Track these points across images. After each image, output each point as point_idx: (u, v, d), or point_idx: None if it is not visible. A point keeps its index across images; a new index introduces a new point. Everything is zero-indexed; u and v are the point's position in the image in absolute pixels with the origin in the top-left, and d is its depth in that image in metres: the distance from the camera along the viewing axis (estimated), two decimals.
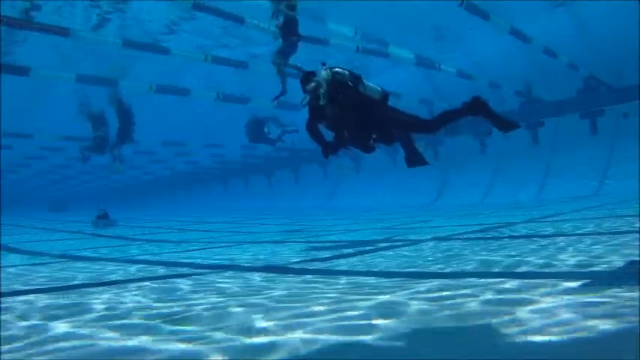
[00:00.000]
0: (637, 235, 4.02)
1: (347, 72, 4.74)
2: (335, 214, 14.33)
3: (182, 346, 1.71)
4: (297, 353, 1.55)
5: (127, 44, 9.89)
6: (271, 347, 1.63)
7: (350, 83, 4.65)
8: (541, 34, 11.97)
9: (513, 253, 3.65)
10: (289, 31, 8.72)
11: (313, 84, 4.61)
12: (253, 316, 2.09)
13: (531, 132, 18.09)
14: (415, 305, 2.11)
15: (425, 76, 15.80)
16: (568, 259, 3.10)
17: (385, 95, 4.86)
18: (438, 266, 3.35)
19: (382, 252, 4.49)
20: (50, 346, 1.77)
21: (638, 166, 13.24)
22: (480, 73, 14.42)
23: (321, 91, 4.55)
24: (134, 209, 27.24)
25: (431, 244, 4.85)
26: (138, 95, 14.99)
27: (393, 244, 5.22)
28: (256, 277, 3.33)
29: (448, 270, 3.16)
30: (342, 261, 4.05)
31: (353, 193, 22.31)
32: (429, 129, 4.99)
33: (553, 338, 1.50)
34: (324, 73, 4.65)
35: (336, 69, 4.71)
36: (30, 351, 1.73)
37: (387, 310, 2.05)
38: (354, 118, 4.66)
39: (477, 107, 4.73)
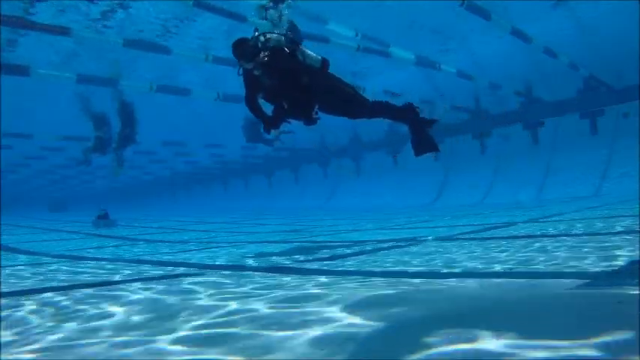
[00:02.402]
0: (637, 235, 4.02)
1: (283, 38, 4.44)
2: (336, 214, 14.34)
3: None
4: None
5: (127, 44, 9.90)
6: None
7: (287, 50, 4.35)
8: (541, 34, 11.99)
9: (507, 253, 3.65)
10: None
11: (246, 52, 4.27)
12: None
13: (531, 132, 18.12)
14: None
15: (425, 76, 15.81)
16: (568, 259, 3.11)
17: (325, 63, 4.63)
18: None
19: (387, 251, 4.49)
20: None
21: (638, 166, 13.24)
22: (479, 73, 14.43)
23: (256, 59, 4.23)
24: (134, 209, 27.23)
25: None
26: (138, 95, 15.02)
27: (398, 243, 5.23)
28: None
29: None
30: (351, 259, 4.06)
31: (353, 193, 22.32)
32: (362, 108, 4.83)
33: (552, 338, 1.50)
34: (259, 39, 4.34)
35: (271, 35, 4.40)
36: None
37: None
38: (292, 88, 4.38)
39: (408, 117, 4.75)
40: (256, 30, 4.44)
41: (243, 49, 4.29)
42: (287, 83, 4.36)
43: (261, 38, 4.35)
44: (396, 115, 4.88)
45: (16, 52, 12.77)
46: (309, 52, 4.56)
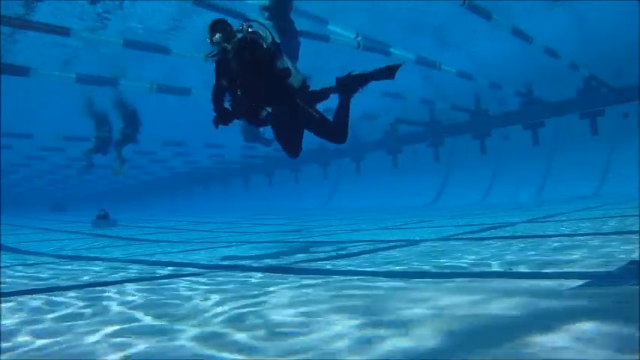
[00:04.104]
0: (637, 235, 4.02)
1: (271, 37, 4.34)
2: (336, 214, 14.33)
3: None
4: None
5: (127, 44, 9.88)
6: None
7: (264, 45, 4.26)
8: (541, 34, 11.99)
9: (510, 252, 3.65)
10: (286, 35, 8.42)
11: (226, 31, 4.20)
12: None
13: (531, 132, 18.13)
14: None
15: (425, 76, 15.81)
16: (568, 259, 3.10)
17: (305, 84, 4.54)
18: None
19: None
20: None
21: (638, 166, 13.24)
22: (480, 73, 14.43)
23: (232, 40, 4.17)
24: (134, 209, 27.24)
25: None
26: (138, 95, 15.03)
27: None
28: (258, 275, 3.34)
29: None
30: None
31: (353, 194, 22.34)
32: (331, 135, 4.74)
33: (552, 338, 1.50)
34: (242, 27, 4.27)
35: (256, 30, 4.30)
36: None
37: None
38: (256, 83, 4.31)
39: (348, 87, 4.65)
40: (246, 20, 4.41)
41: (224, 27, 4.24)
42: (251, 77, 4.31)
43: (245, 26, 4.31)
44: (349, 97, 4.74)
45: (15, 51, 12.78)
46: (294, 66, 4.48)
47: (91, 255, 5.76)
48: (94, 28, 11.70)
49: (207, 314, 2.15)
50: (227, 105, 4.57)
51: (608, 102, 15.92)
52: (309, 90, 4.65)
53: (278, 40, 4.45)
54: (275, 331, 1.80)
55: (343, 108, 4.72)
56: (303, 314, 2.04)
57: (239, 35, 4.30)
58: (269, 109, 4.44)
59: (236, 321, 1.99)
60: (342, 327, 1.79)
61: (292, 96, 4.45)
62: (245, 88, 4.36)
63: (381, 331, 1.71)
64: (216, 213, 18.92)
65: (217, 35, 4.20)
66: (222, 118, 4.49)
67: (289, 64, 4.45)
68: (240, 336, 1.77)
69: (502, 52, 14.54)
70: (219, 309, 2.23)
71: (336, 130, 4.72)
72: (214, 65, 4.43)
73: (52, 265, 4.66)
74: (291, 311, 2.11)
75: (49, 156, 22.88)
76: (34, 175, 29.80)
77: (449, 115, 19.02)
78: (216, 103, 4.51)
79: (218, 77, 4.45)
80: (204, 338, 1.77)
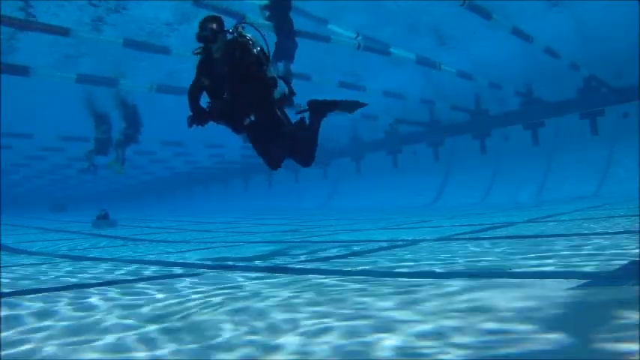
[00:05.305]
0: (637, 235, 4.02)
1: (263, 43, 4.29)
2: (337, 214, 14.32)
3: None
4: None
5: (127, 44, 9.88)
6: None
7: (254, 51, 4.20)
8: (541, 34, 11.99)
9: (509, 252, 3.65)
10: (283, 35, 8.34)
11: (207, 32, 4.13)
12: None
13: (531, 132, 18.12)
14: None
15: (425, 76, 15.81)
16: (567, 259, 3.10)
17: (285, 96, 4.51)
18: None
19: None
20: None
21: (638, 166, 13.24)
22: (480, 73, 14.43)
23: (215, 44, 4.13)
24: (134, 209, 27.24)
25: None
26: (138, 95, 15.03)
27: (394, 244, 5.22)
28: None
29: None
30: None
31: (353, 194, 22.33)
32: (299, 151, 4.77)
33: (551, 337, 1.50)
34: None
35: (247, 34, 4.25)
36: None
37: None
38: (242, 89, 4.24)
39: (320, 110, 4.75)
40: (241, 22, 4.39)
41: (214, 26, 4.18)
42: (236, 84, 4.25)
43: (240, 28, 4.28)
44: (322, 117, 4.81)
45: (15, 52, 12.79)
46: (280, 76, 4.48)
47: (91, 255, 5.76)
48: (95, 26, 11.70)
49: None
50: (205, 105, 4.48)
51: (608, 102, 15.91)
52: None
53: (268, 49, 4.40)
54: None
55: (314, 128, 4.78)
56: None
57: (229, 36, 4.26)
58: (252, 117, 4.38)
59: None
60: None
61: (274, 106, 4.45)
62: (232, 93, 4.28)
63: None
64: (216, 213, 18.92)
65: (204, 33, 4.15)
66: (198, 117, 4.35)
67: (276, 72, 4.47)
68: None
69: (502, 52, 14.54)
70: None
71: (306, 145, 4.77)
72: (199, 63, 4.37)
73: (50, 265, 4.65)
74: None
75: (49, 156, 22.89)
76: (34, 175, 29.81)
77: (449, 115, 19.02)
78: (192, 100, 4.40)
79: (199, 75, 4.37)
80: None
